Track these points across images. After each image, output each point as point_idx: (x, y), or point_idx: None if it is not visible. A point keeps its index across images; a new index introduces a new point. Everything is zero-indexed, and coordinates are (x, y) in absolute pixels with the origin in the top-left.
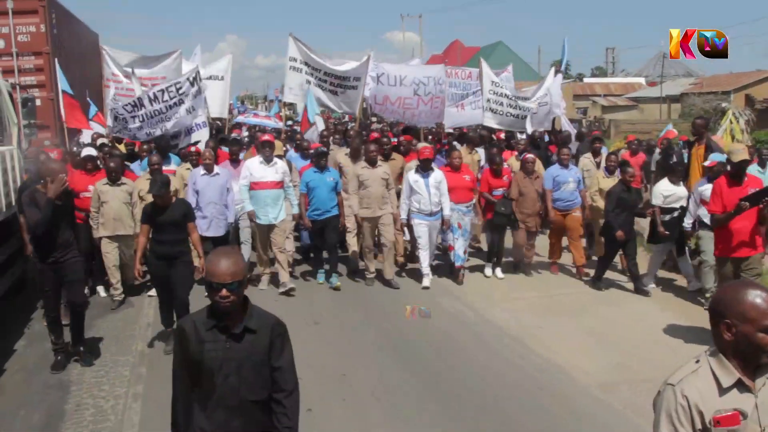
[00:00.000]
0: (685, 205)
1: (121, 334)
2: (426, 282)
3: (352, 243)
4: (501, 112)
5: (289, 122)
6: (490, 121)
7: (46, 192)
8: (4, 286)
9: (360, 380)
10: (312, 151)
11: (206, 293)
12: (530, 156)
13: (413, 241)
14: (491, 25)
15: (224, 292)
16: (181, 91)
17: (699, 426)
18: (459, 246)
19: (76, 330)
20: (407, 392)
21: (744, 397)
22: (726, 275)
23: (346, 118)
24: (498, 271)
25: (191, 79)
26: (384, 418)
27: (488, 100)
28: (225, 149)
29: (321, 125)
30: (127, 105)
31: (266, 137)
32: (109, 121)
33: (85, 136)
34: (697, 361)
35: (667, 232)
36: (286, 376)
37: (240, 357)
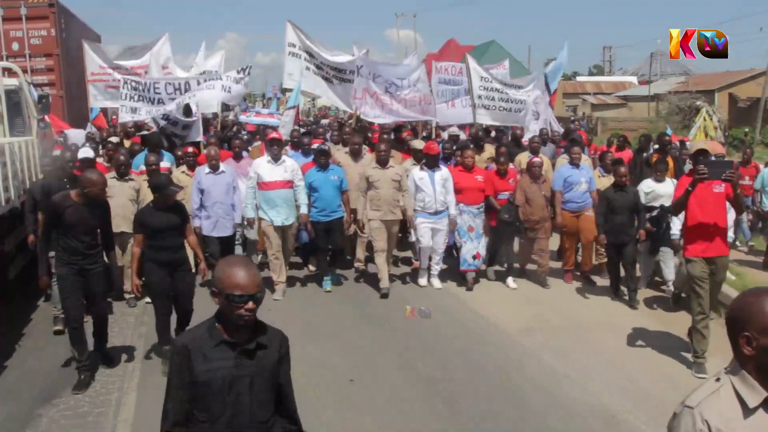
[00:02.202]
0: (665, 204)
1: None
2: (422, 281)
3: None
4: (493, 107)
5: None
6: (484, 118)
7: (79, 201)
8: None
9: (322, 323)
10: (314, 147)
11: (223, 307)
12: (537, 160)
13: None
14: (486, 24)
15: (251, 304)
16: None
17: None
18: (467, 249)
19: (100, 338)
20: (362, 334)
21: None
22: (699, 277)
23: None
24: (510, 280)
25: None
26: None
27: (479, 97)
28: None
29: (288, 117)
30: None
31: (274, 135)
32: (126, 116)
33: (73, 137)
34: (718, 380)
35: (652, 229)
36: (291, 393)
37: (252, 373)
